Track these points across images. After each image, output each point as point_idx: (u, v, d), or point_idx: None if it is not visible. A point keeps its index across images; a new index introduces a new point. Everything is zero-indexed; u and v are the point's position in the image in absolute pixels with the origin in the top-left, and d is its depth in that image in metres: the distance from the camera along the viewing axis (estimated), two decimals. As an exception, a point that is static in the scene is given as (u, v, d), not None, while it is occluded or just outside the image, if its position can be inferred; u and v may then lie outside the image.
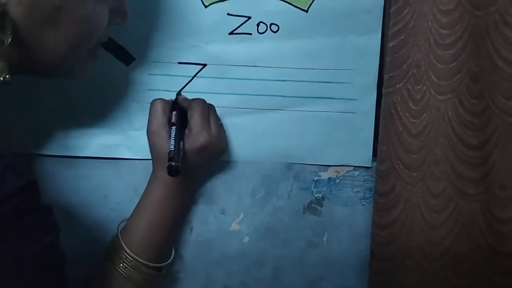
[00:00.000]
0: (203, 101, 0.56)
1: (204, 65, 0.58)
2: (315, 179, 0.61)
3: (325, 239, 0.62)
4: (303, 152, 0.60)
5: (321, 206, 0.61)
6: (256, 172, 0.61)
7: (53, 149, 0.59)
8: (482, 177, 0.54)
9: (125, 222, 0.55)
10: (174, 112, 0.55)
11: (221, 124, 0.58)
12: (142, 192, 0.60)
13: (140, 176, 0.60)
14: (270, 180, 0.61)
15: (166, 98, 0.56)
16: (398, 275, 0.58)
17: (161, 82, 0.58)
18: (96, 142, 0.59)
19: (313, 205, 0.61)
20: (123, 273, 0.51)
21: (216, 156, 0.58)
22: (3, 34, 0.36)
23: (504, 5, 0.50)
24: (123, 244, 0.52)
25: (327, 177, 0.61)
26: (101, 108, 0.59)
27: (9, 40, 0.37)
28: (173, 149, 0.51)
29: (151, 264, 0.52)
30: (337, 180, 0.61)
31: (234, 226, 0.62)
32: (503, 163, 0.53)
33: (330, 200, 0.61)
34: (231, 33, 0.57)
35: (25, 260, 0.36)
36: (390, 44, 0.54)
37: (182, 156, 0.51)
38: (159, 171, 0.54)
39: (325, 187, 0.61)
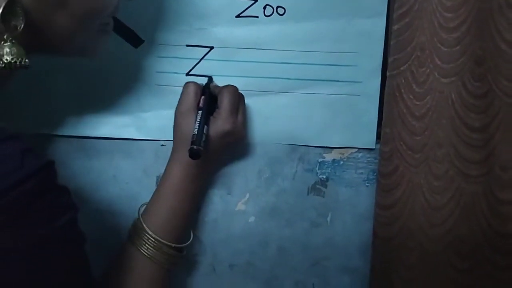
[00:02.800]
0: (235, 88, 0.57)
1: (211, 47, 0.59)
2: (319, 160, 0.62)
3: (328, 219, 0.63)
4: (308, 134, 0.61)
5: (325, 187, 0.62)
6: (261, 153, 0.62)
7: (64, 130, 0.60)
8: (484, 159, 0.55)
9: (145, 206, 0.56)
10: (202, 97, 0.56)
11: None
12: (150, 173, 0.62)
13: (149, 157, 0.62)
14: (276, 162, 0.62)
15: (198, 82, 0.58)
16: (400, 255, 0.58)
17: (169, 64, 0.59)
18: (105, 123, 0.60)
19: (317, 186, 0.62)
20: (146, 254, 0.52)
21: (235, 143, 0.59)
22: (16, 20, 0.37)
23: (508, -12, 0.50)
24: (145, 226, 0.53)
25: (331, 158, 0.62)
26: (110, 89, 0.60)
27: (22, 25, 0.38)
28: (196, 132, 0.52)
29: (173, 245, 0.53)
30: (341, 162, 0.62)
31: (240, 206, 0.63)
32: (505, 145, 0.53)
33: (334, 181, 0.62)
34: (237, 16, 0.58)
35: (44, 239, 0.36)
36: (395, 27, 0.55)
37: (205, 141, 0.52)
38: (180, 152, 0.54)
39: (329, 169, 0.62)
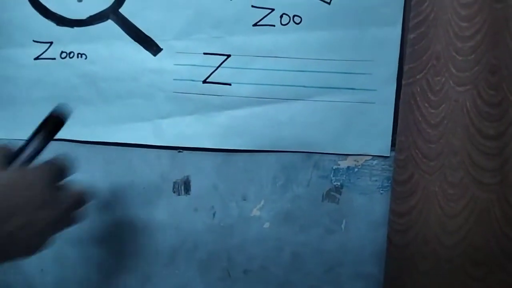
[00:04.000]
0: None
1: (228, 55, 0.60)
2: (334, 167, 0.62)
3: (343, 226, 0.63)
4: (323, 141, 0.61)
5: (340, 194, 0.63)
6: (276, 160, 0.62)
7: (83, 136, 0.62)
8: (498, 167, 0.55)
9: None
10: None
11: None
12: (167, 179, 0.62)
13: (166, 163, 0.63)
14: (291, 168, 0.63)
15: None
16: (414, 262, 0.59)
17: (187, 72, 0.60)
18: (124, 129, 0.61)
19: (332, 193, 0.63)
20: None
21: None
22: None
23: (523, -2, 0.50)
24: None
25: (346, 166, 0.62)
26: (129, 96, 0.61)
27: None
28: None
29: None
30: (356, 169, 0.62)
31: (255, 212, 0.63)
32: (520, 153, 0.54)
33: (348, 188, 0.63)
34: (255, 24, 0.59)
35: None
36: (411, 36, 0.55)
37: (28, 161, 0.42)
38: None
39: (344, 176, 0.62)
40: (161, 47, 0.60)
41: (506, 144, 0.54)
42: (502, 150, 0.54)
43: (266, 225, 0.64)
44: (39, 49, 0.61)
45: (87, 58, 0.60)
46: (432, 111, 0.56)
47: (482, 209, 0.57)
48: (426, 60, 0.55)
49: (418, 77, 0.56)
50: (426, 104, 0.56)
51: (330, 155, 0.62)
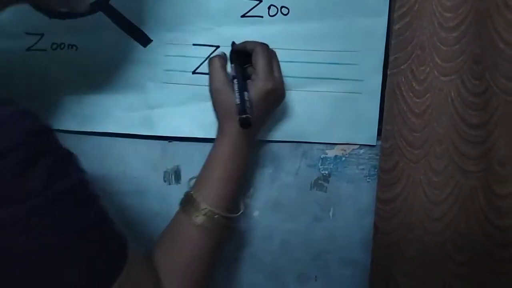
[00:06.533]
0: (266, 46, 0.57)
1: (217, 46, 0.61)
2: (322, 156, 0.63)
3: (330, 214, 0.64)
4: (311, 131, 0.62)
5: (328, 182, 0.64)
6: (265, 149, 0.63)
7: (74, 126, 0.62)
8: (482, 155, 0.56)
9: (194, 179, 0.55)
10: (232, 65, 0.56)
11: None
12: (158, 168, 0.63)
13: (156, 153, 0.63)
14: (279, 157, 0.64)
15: (219, 54, 0.58)
16: (400, 249, 0.60)
17: (176, 63, 0.61)
18: (115, 119, 0.62)
19: (319, 181, 0.64)
20: (196, 222, 0.51)
21: (277, 103, 0.58)
22: None
23: (505, -12, 0.51)
24: (196, 196, 0.53)
25: (334, 155, 0.63)
26: (119, 87, 0.62)
27: None
28: (239, 101, 0.51)
29: (224, 214, 0.53)
30: (343, 158, 0.63)
31: (239, 205, 0.64)
32: (503, 141, 0.54)
33: (336, 177, 0.64)
34: (243, 16, 0.60)
35: (50, 203, 0.35)
36: (396, 27, 0.56)
37: (250, 107, 0.52)
38: (227, 126, 0.54)
39: (332, 165, 0.63)
40: (151, 38, 0.60)
41: (490, 133, 0.55)
42: (486, 139, 0.55)
43: (256, 213, 0.65)
44: (30, 41, 0.61)
45: (78, 50, 0.61)
46: (417, 100, 0.57)
47: (466, 197, 0.58)
48: (411, 50, 0.56)
49: (403, 67, 0.57)
50: (411, 94, 0.57)
51: (318, 144, 0.63)
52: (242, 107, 0.51)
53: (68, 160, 0.39)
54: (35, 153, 0.35)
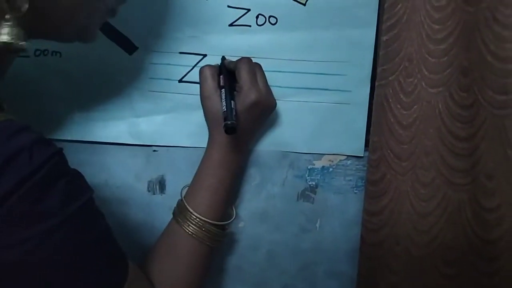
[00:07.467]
0: (249, 59, 0.58)
1: (204, 55, 0.60)
2: (309, 167, 0.63)
3: (317, 225, 0.64)
4: (298, 141, 0.62)
5: (315, 193, 0.63)
6: (252, 159, 0.63)
7: (56, 134, 0.61)
8: (470, 167, 0.56)
9: (187, 188, 0.57)
10: (221, 76, 0.57)
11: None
12: (142, 178, 0.62)
13: (141, 162, 0.62)
14: (266, 168, 0.63)
15: (212, 64, 0.59)
16: (387, 261, 0.59)
17: (163, 71, 0.60)
18: (98, 127, 0.61)
19: (306, 192, 0.63)
20: (188, 231, 0.53)
21: (266, 113, 0.59)
22: (20, 1, 0.37)
23: (494, 2, 0.51)
24: (187, 205, 0.54)
25: (321, 165, 0.63)
26: (104, 95, 0.61)
27: (26, 6, 0.37)
28: (225, 108, 0.53)
29: (214, 222, 0.54)
30: (330, 169, 0.63)
31: (230, 211, 0.64)
32: (490, 154, 0.54)
33: (323, 188, 0.63)
34: (231, 24, 0.59)
35: (66, 222, 0.38)
36: (384, 38, 0.56)
37: (236, 115, 0.53)
38: (216, 134, 0.56)
39: (319, 175, 0.63)
40: (137, 46, 0.60)
41: (477, 146, 0.55)
42: (473, 151, 0.55)
43: (241, 224, 0.64)
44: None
45: (62, 56, 0.60)
46: (404, 112, 0.57)
47: (454, 209, 0.58)
48: (399, 62, 0.56)
49: (390, 78, 0.56)
50: (398, 106, 0.57)
51: (305, 154, 0.63)
52: (227, 113, 0.52)
53: (79, 180, 0.42)
54: (52, 176, 0.37)
